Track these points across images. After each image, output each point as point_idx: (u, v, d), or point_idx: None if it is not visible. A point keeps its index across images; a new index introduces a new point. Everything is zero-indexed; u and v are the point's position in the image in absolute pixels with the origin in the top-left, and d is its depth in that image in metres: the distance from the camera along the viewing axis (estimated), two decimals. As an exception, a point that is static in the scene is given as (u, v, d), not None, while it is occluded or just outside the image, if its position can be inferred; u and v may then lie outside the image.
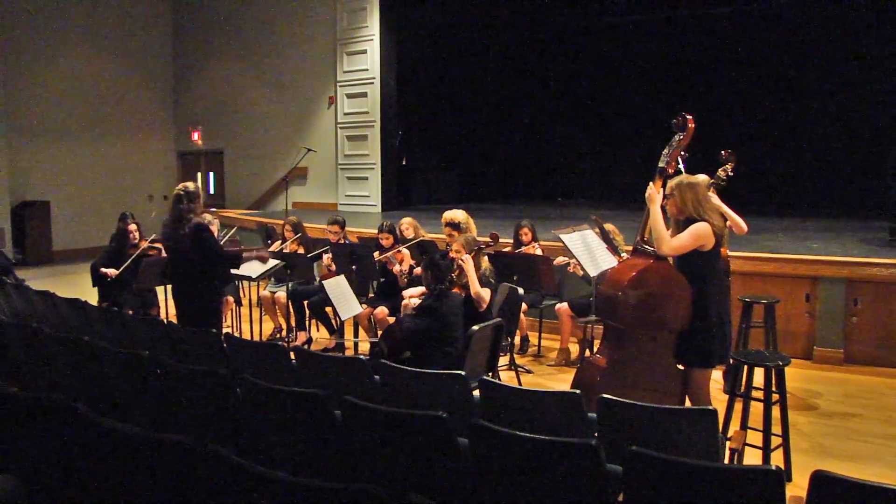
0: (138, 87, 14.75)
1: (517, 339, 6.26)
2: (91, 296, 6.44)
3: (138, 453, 2.20)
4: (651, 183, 3.78)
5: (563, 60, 13.99)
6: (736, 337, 5.21)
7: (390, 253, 6.26)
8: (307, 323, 6.83)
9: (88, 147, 13.79)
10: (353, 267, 6.13)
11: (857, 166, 10.78)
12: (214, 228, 6.72)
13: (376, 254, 6.29)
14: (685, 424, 2.64)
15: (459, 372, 3.23)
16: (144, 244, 6.81)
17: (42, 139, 13.05)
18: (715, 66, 12.07)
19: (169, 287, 5.45)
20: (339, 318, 5.50)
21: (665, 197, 3.74)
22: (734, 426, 3.90)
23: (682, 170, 4.12)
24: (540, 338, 6.47)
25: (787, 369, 3.82)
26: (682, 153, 3.93)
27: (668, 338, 3.70)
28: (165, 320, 4.86)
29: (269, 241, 7.79)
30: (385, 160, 12.20)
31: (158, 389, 3.22)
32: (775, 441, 3.76)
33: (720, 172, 4.95)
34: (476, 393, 3.09)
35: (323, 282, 5.57)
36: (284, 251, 6.66)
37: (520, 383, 5.31)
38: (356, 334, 6.53)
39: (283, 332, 6.78)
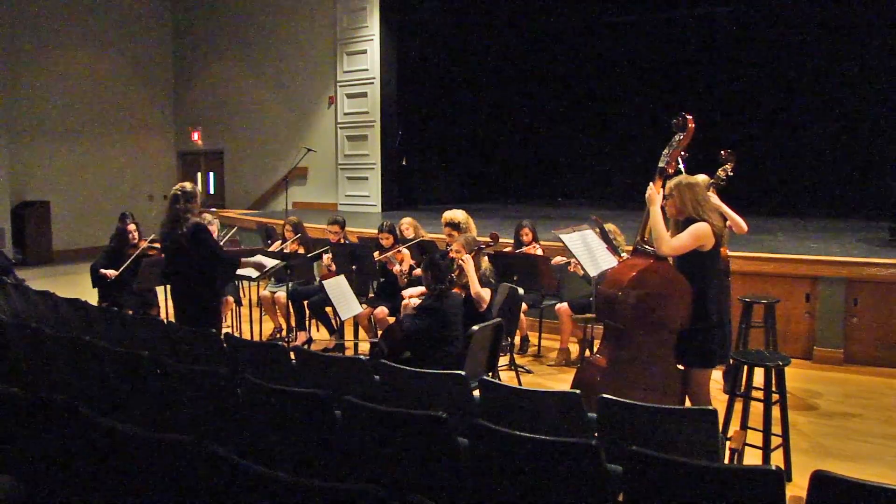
0: (138, 87, 14.75)
1: (517, 339, 6.26)
2: (91, 296, 6.44)
3: (138, 453, 2.20)
4: (651, 183, 3.77)
5: (563, 60, 13.97)
6: (736, 337, 5.22)
7: (390, 253, 6.26)
8: (307, 323, 6.83)
9: (88, 147, 13.79)
10: (353, 267, 6.13)
11: (857, 166, 10.78)
12: (214, 228, 6.72)
13: (376, 254, 6.29)
14: (685, 424, 2.64)
15: (459, 372, 3.23)
16: (144, 244, 6.80)
17: (42, 139, 13.05)
18: (715, 66, 12.06)
19: (169, 287, 5.45)
20: (339, 318, 5.50)
21: (665, 197, 3.74)
22: (734, 426, 3.90)
23: (682, 170, 4.12)
24: (540, 338, 6.47)
25: (787, 369, 3.82)
26: (683, 153, 3.93)
27: (668, 338, 3.70)
28: (165, 320, 4.86)
29: (269, 241, 7.79)
30: (385, 160, 12.20)
31: (158, 389, 3.23)
32: (775, 441, 3.76)
33: (720, 172, 4.94)
34: (476, 393, 3.09)
35: (323, 282, 5.57)
36: (284, 251, 6.66)
37: (520, 383, 5.31)
38: (356, 334, 6.53)
39: (283, 332, 6.78)
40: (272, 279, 7.06)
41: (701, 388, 3.72)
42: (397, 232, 6.53)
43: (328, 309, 6.20)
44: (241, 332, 6.92)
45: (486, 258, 5.25)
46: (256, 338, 6.82)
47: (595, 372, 3.83)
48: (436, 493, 2.41)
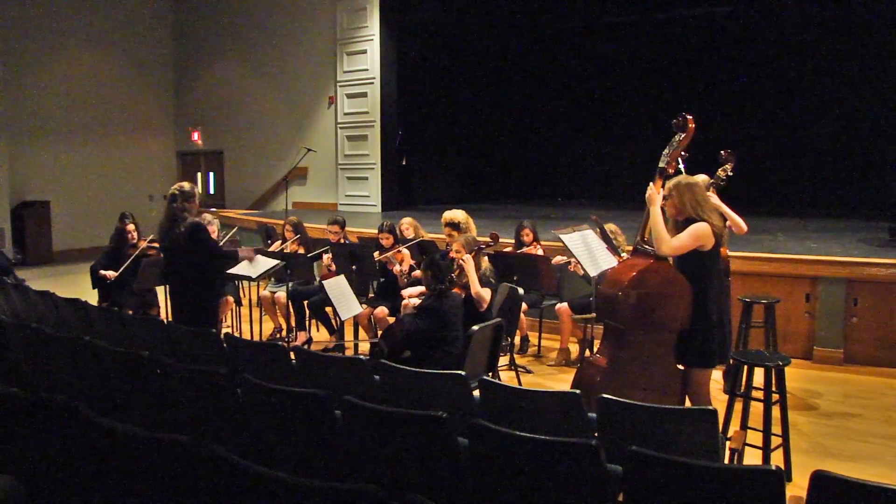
0: (138, 88, 14.75)
1: (517, 339, 6.26)
2: (91, 296, 6.44)
3: (138, 453, 2.20)
4: (651, 183, 3.77)
5: (563, 60, 13.99)
6: (736, 337, 5.21)
7: (390, 253, 6.26)
8: (307, 323, 6.83)
9: (88, 147, 13.79)
10: (353, 267, 6.13)
11: (857, 166, 10.78)
12: (214, 228, 6.72)
13: (376, 254, 6.29)
14: (685, 424, 2.64)
15: (459, 372, 3.23)
16: (143, 244, 6.80)
17: (42, 139, 13.05)
18: (715, 66, 12.06)
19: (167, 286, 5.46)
20: (339, 318, 5.50)
21: (664, 198, 3.74)
22: (734, 426, 3.90)
23: (683, 170, 4.12)
24: (540, 338, 6.47)
25: (787, 369, 3.82)
26: (683, 153, 3.93)
27: (668, 338, 3.70)
28: (165, 320, 4.86)
29: (269, 241, 7.79)
30: (385, 160, 12.19)
31: (158, 389, 3.22)
32: (775, 441, 3.76)
33: (720, 172, 4.94)
34: (476, 393, 3.09)
35: (323, 282, 5.57)
36: (284, 251, 6.66)
37: (520, 383, 5.31)
38: (356, 334, 6.52)
39: (283, 332, 6.78)
40: (272, 279, 7.06)
41: (701, 388, 3.72)
42: (397, 232, 6.53)
43: (328, 309, 6.20)
44: (241, 332, 6.92)
45: (486, 258, 5.25)
46: (256, 338, 6.82)
47: (595, 372, 3.83)
48: (436, 493, 2.41)
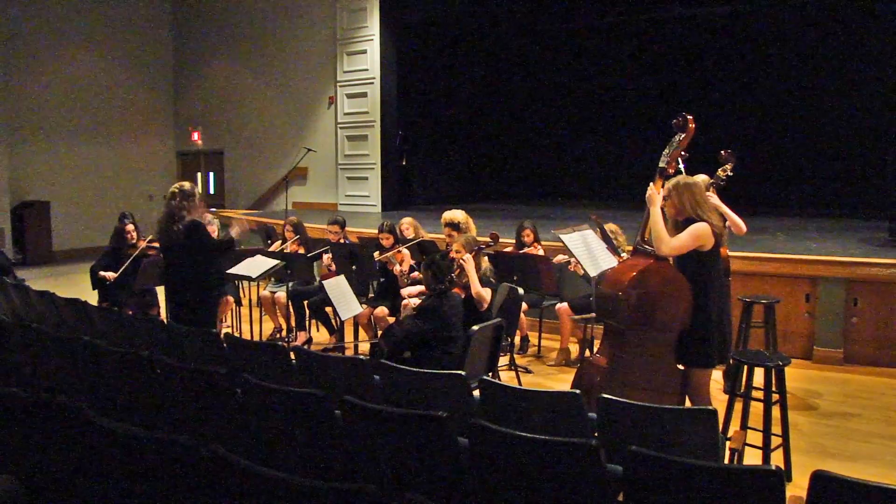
0: (138, 87, 14.75)
1: (517, 339, 6.26)
2: (91, 296, 6.44)
3: (138, 453, 2.20)
4: (651, 183, 3.77)
5: (563, 60, 13.98)
6: (736, 337, 5.21)
7: (390, 253, 6.26)
8: (307, 323, 6.83)
9: (88, 147, 13.79)
10: (353, 267, 6.13)
11: (857, 166, 10.78)
12: (214, 228, 6.73)
13: (376, 254, 6.29)
14: (685, 424, 2.64)
15: (459, 372, 3.23)
16: (143, 244, 6.80)
17: (42, 139, 13.05)
18: (715, 66, 12.06)
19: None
20: (339, 318, 5.50)
21: (664, 198, 3.74)
22: (734, 426, 3.90)
23: (683, 170, 4.12)
24: (540, 338, 6.47)
25: (787, 369, 3.82)
26: (683, 153, 3.93)
27: (668, 338, 3.70)
28: (165, 320, 4.86)
29: (270, 241, 7.80)
30: (385, 160, 12.19)
31: (158, 389, 3.23)
32: (775, 441, 3.76)
33: (720, 172, 4.94)
34: (476, 393, 3.09)
35: (323, 282, 5.57)
36: (284, 251, 6.66)
37: (520, 383, 5.30)
38: (356, 334, 6.52)
39: (283, 332, 6.78)
40: (272, 279, 7.06)
41: (701, 388, 3.72)
42: (397, 232, 6.53)
43: (328, 309, 6.20)
44: (241, 332, 6.93)
45: (486, 258, 5.24)
46: (256, 338, 6.82)
47: (595, 372, 3.83)
48: (436, 493, 2.41)
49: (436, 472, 2.48)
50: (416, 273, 6.01)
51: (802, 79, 11.32)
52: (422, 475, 2.51)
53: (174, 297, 5.11)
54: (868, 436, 4.45)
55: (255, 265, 5.91)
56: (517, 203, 13.34)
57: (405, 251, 6.23)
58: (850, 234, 7.74)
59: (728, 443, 3.16)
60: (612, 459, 2.31)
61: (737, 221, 4.72)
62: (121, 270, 6.58)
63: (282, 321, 6.91)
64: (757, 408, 3.81)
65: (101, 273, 6.64)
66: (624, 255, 4.93)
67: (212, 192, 14.97)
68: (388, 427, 2.54)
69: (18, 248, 12.39)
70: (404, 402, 3.09)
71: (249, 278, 6.00)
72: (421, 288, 5.54)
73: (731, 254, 5.23)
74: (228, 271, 5.91)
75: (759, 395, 3.79)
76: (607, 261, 5.13)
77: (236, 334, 6.27)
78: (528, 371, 5.85)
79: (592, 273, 5.07)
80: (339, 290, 5.24)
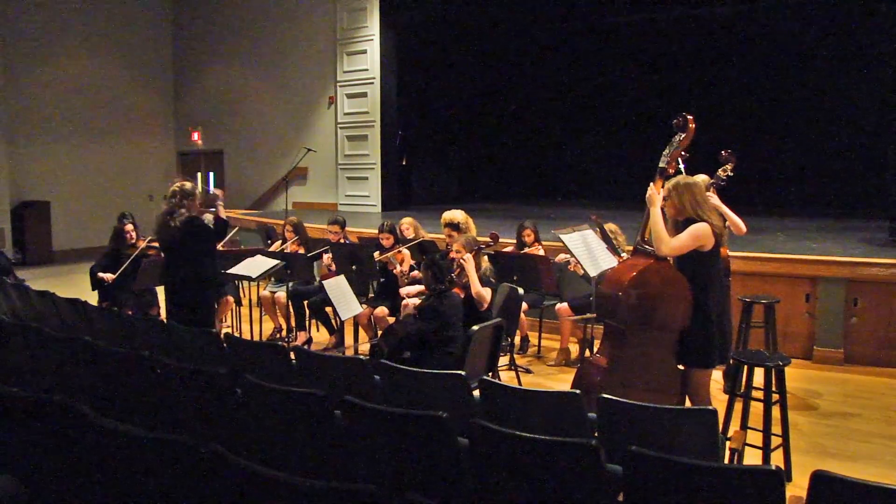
0: (138, 87, 14.75)
1: (517, 339, 6.26)
2: (91, 296, 6.44)
3: (138, 453, 2.20)
4: (651, 184, 3.77)
5: (564, 60, 13.98)
6: (736, 337, 5.21)
7: (390, 253, 6.26)
8: (307, 323, 6.83)
9: (88, 147, 13.78)
10: (353, 267, 6.13)
11: (857, 166, 10.78)
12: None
13: (376, 254, 6.29)
14: (685, 424, 2.64)
15: (459, 372, 3.23)
16: (142, 244, 6.80)
17: (42, 139, 13.04)
18: (715, 66, 12.06)
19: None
20: (339, 318, 5.50)
21: (664, 198, 3.74)
22: (734, 426, 3.90)
23: (683, 170, 4.12)
24: (540, 338, 6.46)
25: (787, 369, 3.82)
26: (683, 153, 3.93)
27: (668, 338, 3.70)
28: (165, 320, 4.86)
29: (270, 241, 7.80)
30: (385, 160, 12.19)
31: (158, 389, 3.22)
32: (775, 441, 3.76)
33: (720, 172, 4.94)
34: (476, 393, 3.09)
35: (323, 282, 5.57)
36: (284, 251, 6.66)
37: (520, 383, 5.30)
38: (356, 334, 6.53)
39: (283, 332, 6.78)
40: (272, 279, 7.06)
41: (701, 388, 3.72)
42: (397, 232, 6.53)
43: (328, 309, 6.20)
44: (241, 332, 6.93)
45: (486, 258, 5.24)
46: (256, 338, 6.82)
47: (595, 372, 3.83)
48: (436, 493, 2.41)
49: (436, 472, 2.48)
50: (416, 273, 6.02)
51: (802, 79, 11.32)
52: (422, 475, 2.51)
53: (173, 296, 5.12)
54: (868, 436, 4.45)
55: (255, 265, 5.91)
56: (517, 203, 13.34)
57: (405, 251, 6.23)
58: (850, 234, 7.74)
59: (728, 443, 3.16)
60: (612, 459, 2.31)
61: (737, 221, 4.71)
62: (120, 271, 6.57)
63: (282, 321, 6.91)
64: (757, 408, 3.81)
65: (100, 275, 6.64)
66: (624, 255, 4.93)
67: (212, 192, 14.95)
68: (388, 427, 2.54)
69: (18, 249, 12.38)
70: (404, 403, 3.09)
71: (249, 278, 6.00)
72: (421, 288, 5.54)
73: (731, 254, 5.23)
74: (228, 271, 5.91)
75: (759, 395, 3.79)
76: (607, 261, 5.14)
77: (236, 334, 6.27)
78: (528, 371, 5.85)
79: (592, 273, 5.08)
80: (339, 290, 5.24)
